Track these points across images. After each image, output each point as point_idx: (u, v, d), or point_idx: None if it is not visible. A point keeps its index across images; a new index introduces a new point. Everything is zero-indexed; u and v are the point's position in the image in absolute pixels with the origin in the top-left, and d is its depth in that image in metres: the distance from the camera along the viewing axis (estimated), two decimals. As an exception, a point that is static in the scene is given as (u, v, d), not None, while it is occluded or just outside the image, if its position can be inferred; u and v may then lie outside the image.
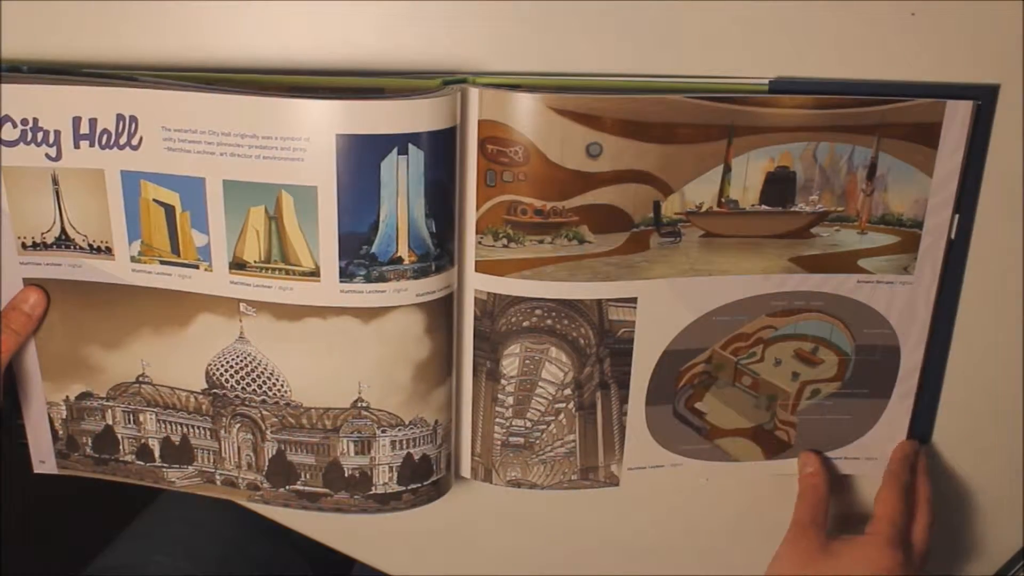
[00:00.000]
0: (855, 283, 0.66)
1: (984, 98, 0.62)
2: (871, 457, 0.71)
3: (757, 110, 0.61)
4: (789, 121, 0.61)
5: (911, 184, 0.63)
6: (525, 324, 0.64)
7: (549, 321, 0.64)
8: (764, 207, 0.64)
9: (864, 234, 0.65)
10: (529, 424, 0.67)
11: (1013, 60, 0.62)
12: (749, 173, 0.62)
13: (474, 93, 0.59)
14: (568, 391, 0.67)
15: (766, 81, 0.62)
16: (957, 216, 0.65)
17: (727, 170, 0.62)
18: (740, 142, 0.61)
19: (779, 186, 0.63)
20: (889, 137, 0.62)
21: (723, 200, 0.63)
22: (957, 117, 0.62)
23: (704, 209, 0.63)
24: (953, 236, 0.65)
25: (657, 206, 0.62)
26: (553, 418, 0.67)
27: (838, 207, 0.64)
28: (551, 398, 0.67)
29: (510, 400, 0.67)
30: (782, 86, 0.62)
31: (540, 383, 0.66)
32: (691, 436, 0.70)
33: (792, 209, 0.64)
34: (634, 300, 0.65)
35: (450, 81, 0.60)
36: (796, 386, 0.69)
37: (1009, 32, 0.61)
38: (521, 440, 0.68)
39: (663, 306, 0.65)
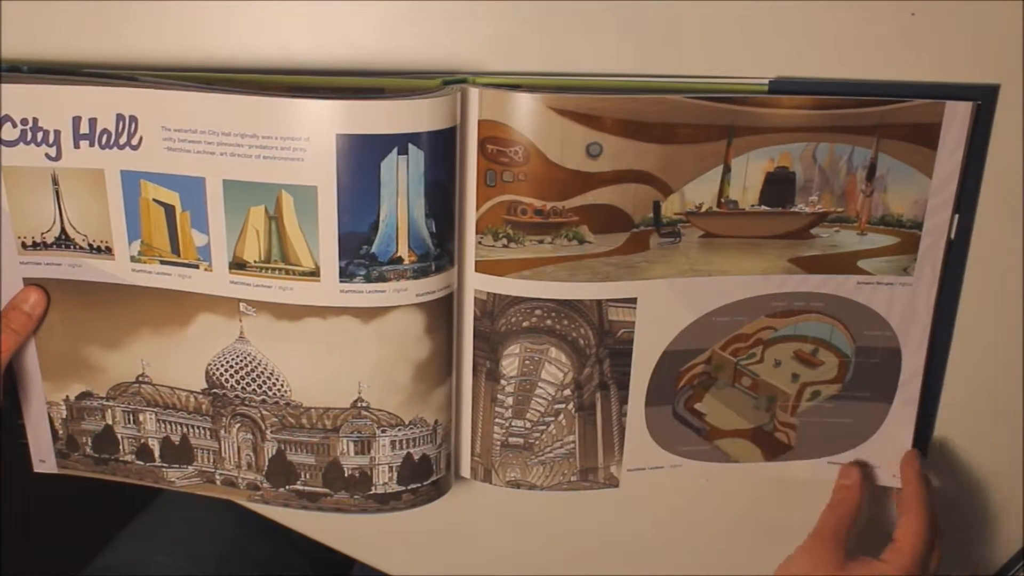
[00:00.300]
0: (855, 284, 0.66)
1: (984, 98, 0.62)
2: (874, 465, 0.71)
3: (757, 110, 0.61)
4: (789, 121, 0.61)
5: (911, 185, 0.63)
6: (525, 324, 0.64)
7: (549, 321, 0.64)
8: (764, 207, 0.63)
9: (864, 235, 0.65)
10: (529, 425, 0.67)
11: (1013, 60, 0.62)
12: (749, 173, 0.62)
13: (474, 93, 0.59)
14: (568, 392, 0.67)
15: (766, 81, 0.61)
16: (957, 216, 0.65)
17: (727, 170, 0.62)
18: (740, 142, 0.61)
19: (779, 186, 0.63)
20: (888, 138, 0.62)
21: (723, 200, 0.63)
22: (956, 118, 0.61)
23: (704, 209, 0.63)
24: (953, 236, 0.65)
25: (657, 206, 0.62)
26: (553, 419, 0.67)
27: (838, 208, 0.64)
28: (551, 399, 0.67)
29: (510, 400, 0.67)
30: (782, 86, 0.61)
31: (540, 383, 0.66)
32: (691, 437, 0.70)
33: (792, 210, 0.64)
34: (634, 300, 0.65)
35: (450, 81, 0.60)
36: (796, 387, 0.69)
37: (1009, 32, 0.61)
38: (520, 441, 0.68)
39: (663, 307, 0.65)
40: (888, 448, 0.70)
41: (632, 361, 0.66)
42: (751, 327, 0.67)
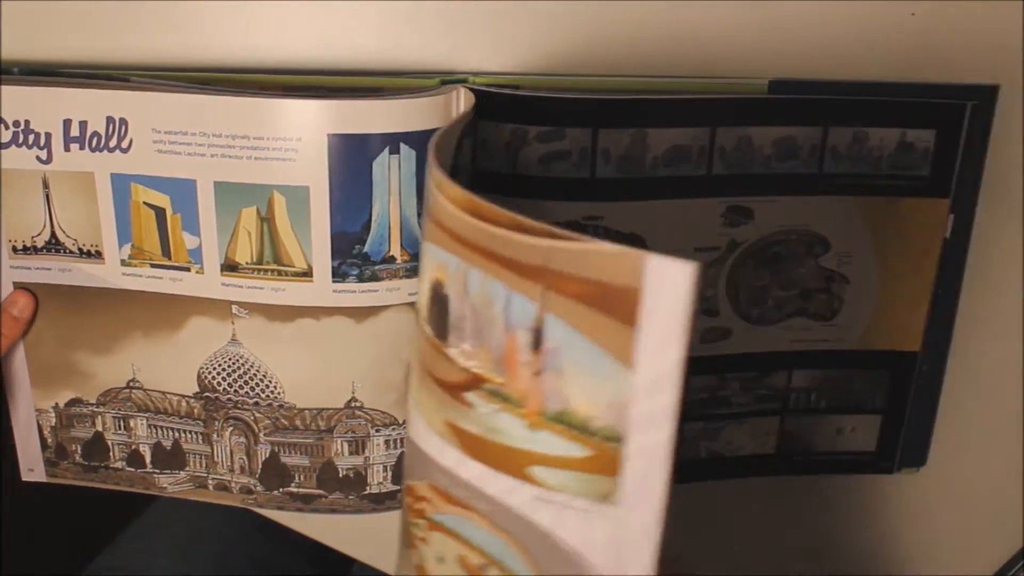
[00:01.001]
0: (531, 498, 0.39)
1: (983, 98, 0.61)
2: None
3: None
4: (449, 219, 0.39)
5: (602, 376, 0.35)
6: None
7: None
8: (427, 329, 0.43)
9: (535, 431, 0.38)
10: None
11: (1013, 60, 0.61)
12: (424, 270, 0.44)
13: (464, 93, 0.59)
14: None
15: (765, 81, 0.61)
16: (953, 216, 0.64)
17: None
18: None
19: (436, 308, 0.41)
20: (562, 294, 0.35)
21: None
22: (666, 284, 0.33)
23: None
24: (948, 235, 0.64)
25: None
26: None
27: (495, 376, 0.39)
28: None
29: None
30: (781, 87, 0.61)
31: None
32: None
33: (447, 349, 0.41)
34: None
35: (448, 81, 0.60)
36: None
37: (1009, 32, 0.61)
38: None
39: None
40: None
41: None
42: (420, 487, 0.45)
